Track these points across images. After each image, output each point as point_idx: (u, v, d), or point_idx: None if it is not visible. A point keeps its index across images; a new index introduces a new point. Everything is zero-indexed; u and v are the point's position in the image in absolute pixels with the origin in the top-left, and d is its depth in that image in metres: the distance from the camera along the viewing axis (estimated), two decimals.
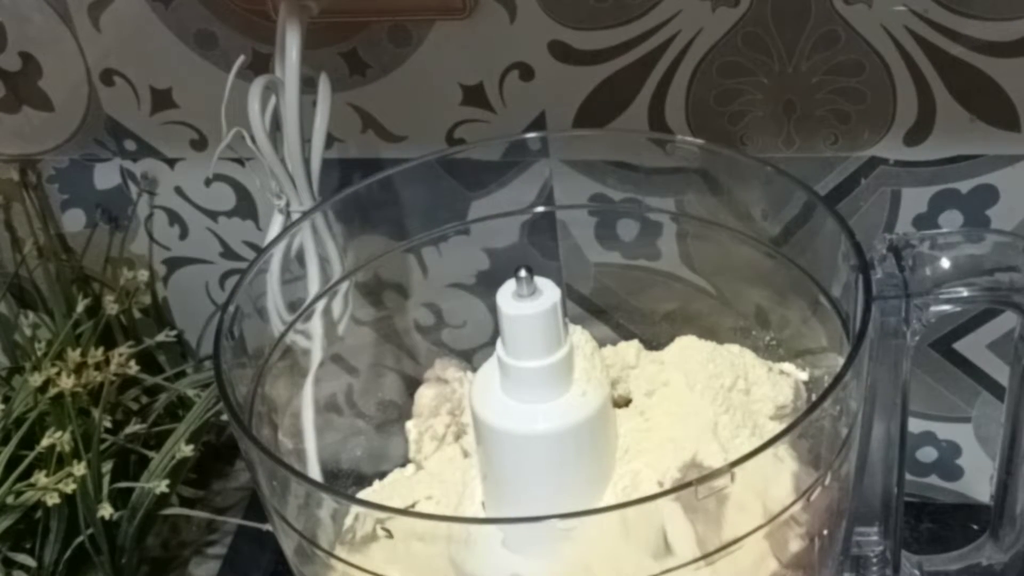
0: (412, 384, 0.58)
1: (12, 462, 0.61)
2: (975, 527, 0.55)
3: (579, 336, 0.48)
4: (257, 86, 0.56)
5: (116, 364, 0.64)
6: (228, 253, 0.73)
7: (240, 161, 0.65)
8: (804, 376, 0.53)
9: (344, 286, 0.58)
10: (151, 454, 0.65)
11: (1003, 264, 0.48)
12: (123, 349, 0.65)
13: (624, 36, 0.60)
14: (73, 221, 0.75)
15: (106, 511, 0.61)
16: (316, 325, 0.57)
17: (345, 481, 0.57)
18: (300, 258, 0.57)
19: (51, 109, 0.70)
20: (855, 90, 0.59)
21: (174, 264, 0.75)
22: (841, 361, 0.44)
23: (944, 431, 0.69)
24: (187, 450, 0.64)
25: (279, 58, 0.57)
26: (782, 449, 0.45)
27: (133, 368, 0.65)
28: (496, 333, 0.46)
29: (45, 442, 0.60)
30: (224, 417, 0.66)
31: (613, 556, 0.43)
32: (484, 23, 0.60)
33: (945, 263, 0.48)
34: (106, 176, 0.72)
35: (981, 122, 0.59)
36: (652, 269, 0.61)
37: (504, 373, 0.46)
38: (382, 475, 0.55)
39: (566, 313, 0.46)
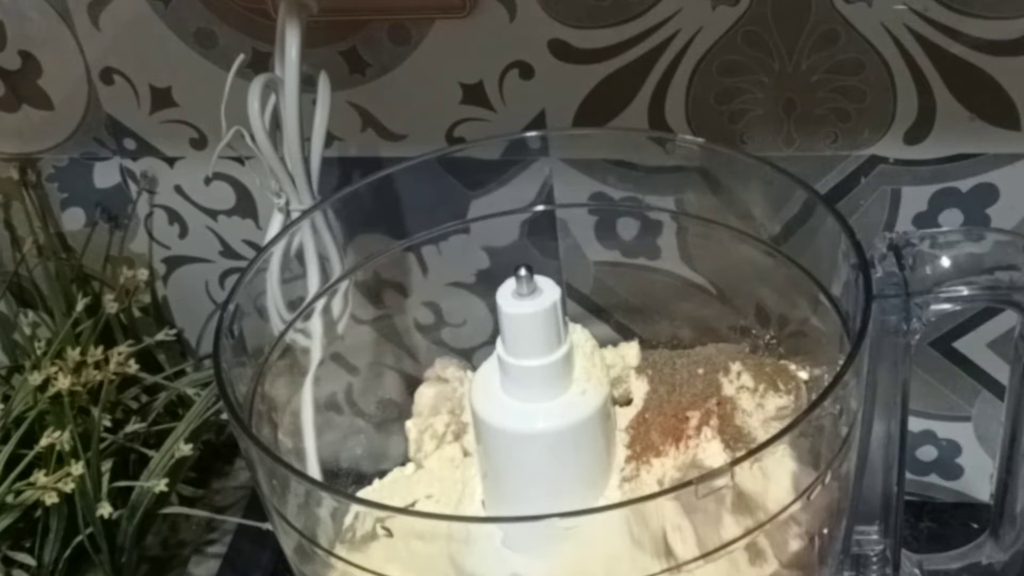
0: (412, 383, 0.58)
1: (11, 461, 0.61)
2: (975, 526, 0.55)
3: (579, 335, 0.48)
4: (257, 85, 0.56)
5: (115, 363, 0.64)
6: (228, 252, 0.73)
7: (240, 160, 0.65)
8: (804, 376, 0.53)
9: (344, 285, 0.58)
10: (151, 453, 0.65)
11: (1003, 263, 0.48)
12: (123, 348, 0.65)
13: (624, 35, 0.59)
14: (73, 220, 0.75)
15: (105, 510, 0.61)
16: (316, 324, 0.57)
17: (345, 480, 0.57)
18: (300, 257, 0.57)
19: (51, 108, 0.70)
20: (855, 89, 0.59)
21: (174, 263, 0.75)
22: (841, 360, 0.44)
23: (944, 430, 0.69)
24: (187, 449, 0.64)
25: (279, 57, 0.57)
26: (782, 449, 0.44)
27: (133, 367, 0.65)
28: (496, 332, 0.46)
29: (44, 441, 0.60)
30: (224, 416, 0.66)
31: (613, 556, 0.43)
32: (484, 21, 0.60)
33: (945, 262, 0.48)
34: (106, 175, 0.72)
35: (981, 121, 0.59)
36: (652, 268, 0.61)
37: (504, 372, 0.46)
38: (382, 474, 0.55)
39: (566, 312, 0.46)
